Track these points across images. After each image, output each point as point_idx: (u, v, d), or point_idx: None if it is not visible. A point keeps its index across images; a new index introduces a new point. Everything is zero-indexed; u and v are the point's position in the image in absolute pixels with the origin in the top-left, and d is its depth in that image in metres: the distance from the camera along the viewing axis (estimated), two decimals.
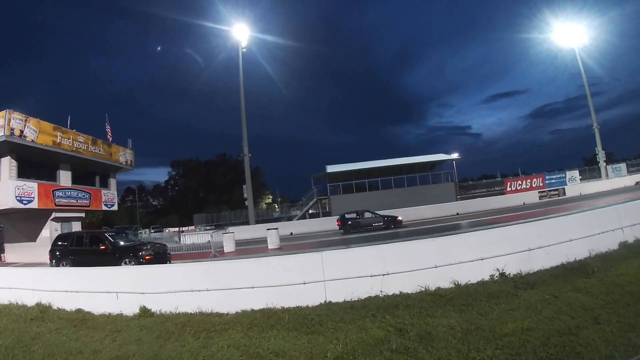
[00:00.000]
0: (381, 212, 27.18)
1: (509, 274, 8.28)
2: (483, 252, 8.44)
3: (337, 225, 27.01)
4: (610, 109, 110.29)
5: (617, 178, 41.19)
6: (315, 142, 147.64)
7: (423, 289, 7.89)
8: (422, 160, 44.63)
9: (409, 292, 7.86)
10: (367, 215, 26.37)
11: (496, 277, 8.25)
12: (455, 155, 45.54)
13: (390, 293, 7.86)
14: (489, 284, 7.99)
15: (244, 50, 37.73)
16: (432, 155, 46.78)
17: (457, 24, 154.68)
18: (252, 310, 7.89)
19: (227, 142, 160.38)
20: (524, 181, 42.01)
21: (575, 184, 40.31)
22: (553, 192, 37.89)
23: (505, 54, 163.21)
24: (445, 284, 8.02)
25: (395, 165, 43.65)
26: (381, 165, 43.40)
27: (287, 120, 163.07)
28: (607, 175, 42.65)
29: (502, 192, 41.22)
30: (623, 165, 45.43)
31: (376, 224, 25.83)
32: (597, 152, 43.04)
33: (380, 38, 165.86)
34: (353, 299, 7.80)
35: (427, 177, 43.35)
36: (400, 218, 26.41)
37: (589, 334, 5.00)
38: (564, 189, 38.43)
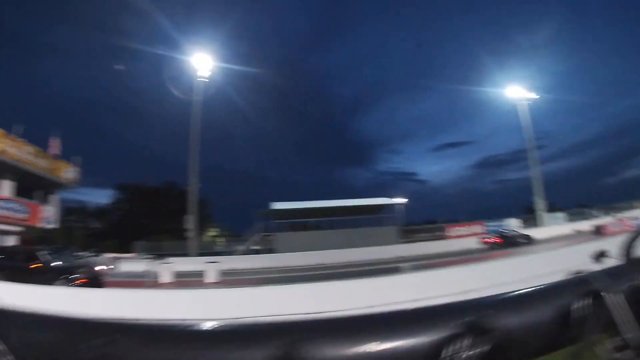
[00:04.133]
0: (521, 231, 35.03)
1: None
2: (417, 293, 8.47)
3: (491, 242, 31.77)
4: (554, 162, 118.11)
5: (556, 226, 43.19)
6: (266, 178, 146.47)
7: None
8: (367, 204, 45.03)
9: None
10: (513, 233, 33.34)
11: None
12: (399, 200, 46.58)
13: None
14: None
15: (203, 80, 37.54)
16: (377, 199, 47.32)
17: (413, 74, 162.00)
18: None
19: (177, 169, 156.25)
20: (465, 227, 43.37)
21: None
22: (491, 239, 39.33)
23: (456, 105, 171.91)
24: None
25: (341, 206, 43.80)
26: (327, 206, 43.38)
27: (240, 154, 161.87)
28: (544, 223, 44.69)
29: (443, 237, 42.29)
30: (561, 215, 48.16)
31: (520, 240, 31.13)
32: (535, 202, 45.44)
33: (340, 81, 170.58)
34: None
35: (372, 220, 43.78)
36: (532, 236, 32.15)
37: None
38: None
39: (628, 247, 0.78)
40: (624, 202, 50.88)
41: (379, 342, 0.70)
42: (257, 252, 39.47)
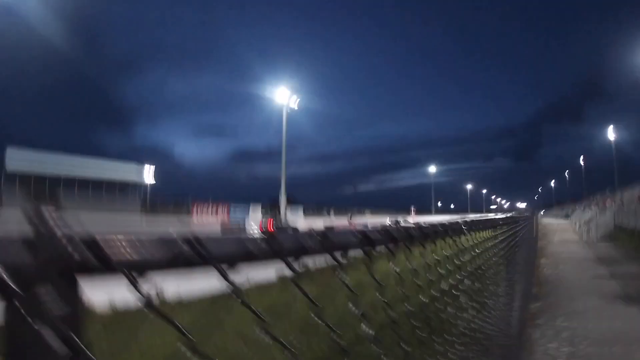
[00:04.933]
0: None
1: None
2: None
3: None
4: (305, 164, 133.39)
5: (295, 218, 48.09)
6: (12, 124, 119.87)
7: None
8: (115, 171, 41.48)
9: None
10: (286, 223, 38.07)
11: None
12: (149, 173, 44.63)
13: None
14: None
15: None
16: (127, 167, 43.99)
17: (191, 48, 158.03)
18: None
19: None
20: (211, 208, 44.25)
21: (257, 218, 44.56)
22: (235, 225, 40.60)
23: (226, 93, 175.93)
24: None
25: (85, 167, 38.75)
26: (70, 164, 37.66)
27: None
28: (285, 214, 48.93)
29: (190, 216, 42.39)
30: (300, 208, 55.97)
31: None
32: (280, 195, 49.52)
33: (114, 34, 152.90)
34: None
35: (117, 190, 41.24)
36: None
37: None
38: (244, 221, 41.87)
39: None
40: (356, 208, 61.00)
41: None
42: None
